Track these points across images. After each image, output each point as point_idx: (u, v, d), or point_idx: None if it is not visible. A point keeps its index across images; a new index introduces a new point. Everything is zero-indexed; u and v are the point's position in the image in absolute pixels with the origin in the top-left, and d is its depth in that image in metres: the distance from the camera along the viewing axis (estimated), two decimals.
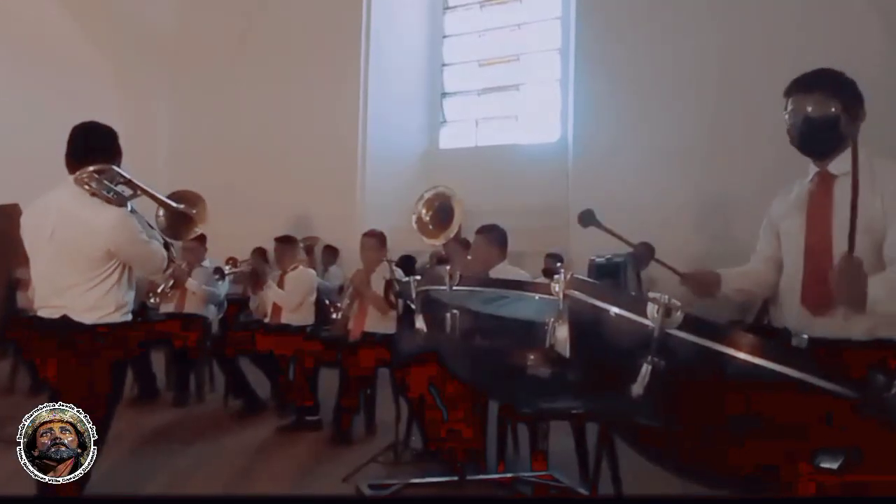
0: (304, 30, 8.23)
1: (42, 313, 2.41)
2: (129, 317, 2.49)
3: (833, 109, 1.85)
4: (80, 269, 2.36)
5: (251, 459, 3.62)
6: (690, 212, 5.93)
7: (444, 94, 8.88)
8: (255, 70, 8.42)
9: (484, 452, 3.19)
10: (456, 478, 2.94)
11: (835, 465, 1.08)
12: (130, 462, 3.42)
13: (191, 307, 5.09)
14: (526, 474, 3.05)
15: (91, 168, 2.37)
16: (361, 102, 8.20)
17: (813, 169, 1.98)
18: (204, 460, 3.56)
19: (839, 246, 1.79)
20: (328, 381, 4.26)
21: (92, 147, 2.43)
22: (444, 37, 8.92)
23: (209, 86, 8.69)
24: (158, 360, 5.04)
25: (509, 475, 3.08)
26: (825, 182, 1.92)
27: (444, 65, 8.90)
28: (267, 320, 4.84)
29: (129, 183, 2.47)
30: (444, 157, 8.52)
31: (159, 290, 4.58)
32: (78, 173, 2.38)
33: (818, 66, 1.93)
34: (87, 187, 2.38)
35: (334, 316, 4.29)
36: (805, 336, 1.66)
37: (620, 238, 2.11)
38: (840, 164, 1.89)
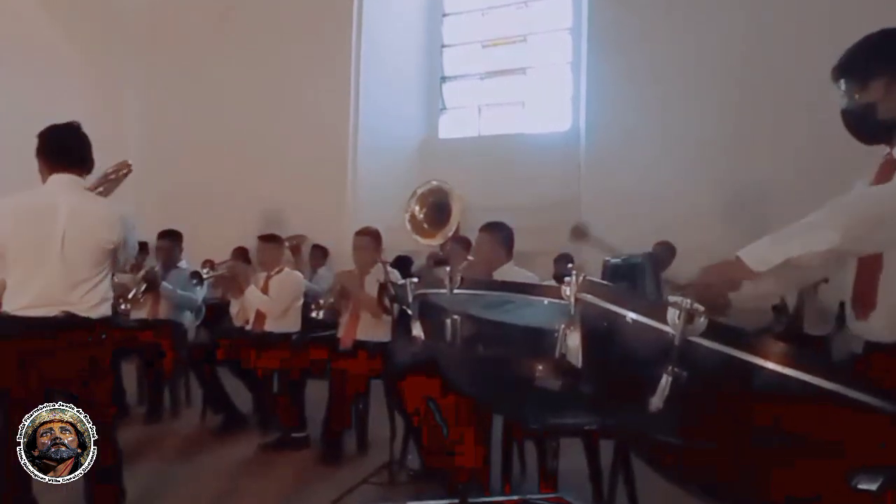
0: (290, 7, 8.24)
1: (36, 312, 2.52)
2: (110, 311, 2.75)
3: (868, 96, 1.77)
4: (90, 264, 2.61)
5: (232, 480, 3.63)
6: (717, 206, 5.89)
7: (443, 79, 8.89)
8: (236, 53, 8.42)
9: (488, 472, 3.19)
10: (457, 500, 2.94)
11: (874, 487, 1.08)
12: None
13: (165, 313, 5.09)
14: (534, 496, 3.04)
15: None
16: (353, 87, 8.21)
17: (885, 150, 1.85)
18: (180, 482, 3.56)
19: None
20: (316, 393, 4.27)
21: (70, 150, 2.68)
22: (444, 15, 8.93)
23: (185, 70, 8.69)
24: (129, 373, 5.04)
25: (515, 497, 3.07)
26: (887, 168, 1.82)
27: (443, 46, 8.91)
28: (249, 328, 4.84)
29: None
30: (443, 148, 8.53)
31: (130, 296, 4.58)
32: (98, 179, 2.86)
33: (854, 42, 1.83)
34: (88, 185, 2.74)
35: (314, 314, 4.27)
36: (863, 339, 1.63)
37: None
38: None
